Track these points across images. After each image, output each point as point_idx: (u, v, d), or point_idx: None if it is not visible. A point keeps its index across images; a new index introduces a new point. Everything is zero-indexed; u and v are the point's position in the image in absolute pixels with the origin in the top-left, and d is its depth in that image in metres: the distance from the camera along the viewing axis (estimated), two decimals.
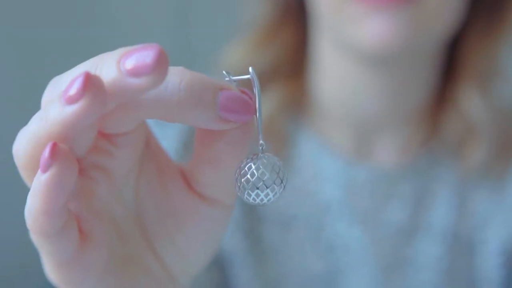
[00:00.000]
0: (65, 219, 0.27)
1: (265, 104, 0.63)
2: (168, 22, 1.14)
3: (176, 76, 0.25)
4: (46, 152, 0.24)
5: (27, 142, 0.26)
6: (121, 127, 0.28)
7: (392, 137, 0.63)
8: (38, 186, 0.25)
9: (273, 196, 0.27)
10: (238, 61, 0.64)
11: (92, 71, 0.24)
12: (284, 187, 0.27)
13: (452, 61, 0.63)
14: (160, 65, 0.23)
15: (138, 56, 0.23)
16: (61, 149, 0.24)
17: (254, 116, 0.27)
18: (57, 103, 0.24)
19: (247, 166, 0.27)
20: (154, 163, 0.32)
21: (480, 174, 0.63)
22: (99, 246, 0.30)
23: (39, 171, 0.24)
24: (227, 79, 0.27)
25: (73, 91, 0.23)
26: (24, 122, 0.26)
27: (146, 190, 0.32)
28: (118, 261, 0.32)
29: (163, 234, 0.32)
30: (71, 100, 0.23)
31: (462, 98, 0.61)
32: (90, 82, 0.23)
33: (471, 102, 0.61)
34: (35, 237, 0.27)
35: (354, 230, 0.62)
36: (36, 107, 0.27)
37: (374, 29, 0.53)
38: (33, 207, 0.25)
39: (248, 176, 0.27)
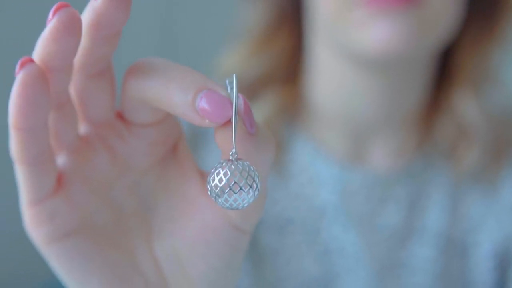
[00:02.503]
0: (41, 149, 0.28)
1: (261, 109, 0.64)
2: (156, 29, 1.15)
3: (171, 66, 0.28)
4: (19, 63, 0.26)
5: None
6: (137, 115, 0.30)
7: (386, 141, 0.63)
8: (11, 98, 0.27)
9: (242, 201, 0.27)
10: (233, 67, 0.65)
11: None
12: (255, 192, 0.28)
13: (446, 65, 0.64)
14: None
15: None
16: (32, 63, 0.26)
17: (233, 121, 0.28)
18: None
19: (217, 171, 0.28)
20: (177, 169, 0.33)
21: (473, 178, 0.63)
22: (73, 205, 0.31)
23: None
24: (229, 86, 0.29)
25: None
26: None
27: (162, 192, 0.33)
28: (103, 239, 0.32)
29: (167, 239, 0.33)
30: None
31: (456, 103, 0.62)
32: (58, 10, 0.26)
33: (465, 107, 0.61)
34: (17, 167, 0.29)
35: (349, 233, 0.62)
36: None
37: (379, 33, 0.53)
38: (10, 122, 0.27)
39: (217, 181, 0.27)
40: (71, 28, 0.26)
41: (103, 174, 0.32)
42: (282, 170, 0.64)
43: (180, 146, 0.33)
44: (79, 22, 0.26)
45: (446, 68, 0.64)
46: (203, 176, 0.33)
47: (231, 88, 0.28)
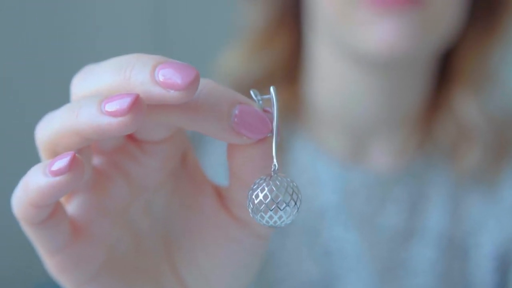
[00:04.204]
0: (51, 210, 0.27)
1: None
2: (150, 27, 1.15)
3: (200, 84, 0.26)
4: (64, 162, 0.24)
5: (52, 129, 0.26)
6: (151, 133, 0.29)
7: (387, 141, 0.63)
8: (41, 183, 0.25)
9: (287, 218, 0.26)
10: (233, 68, 0.64)
11: (125, 69, 0.25)
12: (298, 208, 0.27)
13: (446, 66, 0.63)
14: (192, 86, 0.24)
15: (172, 73, 0.24)
16: (78, 161, 0.25)
17: (271, 135, 0.27)
18: (95, 107, 0.24)
19: (260, 187, 0.26)
20: (189, 180, 0.32)
21: (474, 178, 0.63)
22: (96, 242, 0.30)
23: (47, 170, 0.25)
24: (254, 97, 0.27)
25: (117, 106, 0.24)
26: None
27: (177, 207, 0.32)
28: (127, 268, 0.31)
29: (188, 255, 0.32)
30: (111, 114, 0.24)
31: (457, 103, 0.62)
32: (136, 104, 0.24)
33: (465, 107, 0.61)
34: (22, 224, 0.27)
35: (350, 234, 0.62)
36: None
37: (383, 33, 0.53)
38: (25, 197, 0.26)
39: (261, 198, 0.26)
40: (138, 120, 0.24)
41: (121, 201, 0.31)
42: (282, 170, 0.64)
43: (188, 157, 0.32)
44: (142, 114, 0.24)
45: (446, 69, 0.64)
46: (217, 189, 0.32)
47: (258, 101, 0.27)
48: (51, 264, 0.29)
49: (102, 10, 1.12)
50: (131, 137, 0.30)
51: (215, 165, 0.60)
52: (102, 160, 0.30)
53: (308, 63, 0.64)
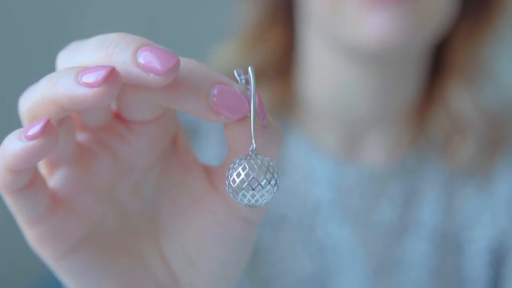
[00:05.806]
0: (29, 178, 0.28)
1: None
2: (146, 21, 1.14)
3: (181, 63, 0.26)
4: (38, 127, 0.25)
5: (32, 99, 0.27)
6: (138, 113, 0.29)
7: (381, 136, 0.63)
8: (16, 148, 0.25)
9: (268, 195, 0.27)
10: (226, 63, 0.64)
11: (107, 47, 0.26)
12: (277, 186, 0.27)
13: (439, 60, 0.63)
14: (170, 72, 0.25)
15: (152, 57, 0.25)
16: (51, 126, 0.25)
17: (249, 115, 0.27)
18: (72, 77, 0.25)
19: (241, 166, 0.27)
20: (178, 163, 0.32)
21: (467, 172, 0.63)
22: (77, 216, 0.30)
23: (22, 135, 0.25)
24: (237, 77, 0.28)
25: (92, 78, 0.24)
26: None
27: (166, 188, 0.32)
28: (112, 244, 0.32)
29: (175, 236, 0.32)
30: (87, 85, 0.24)
31: (450, 96, 0.62)
32: (111, 77, 0.24)
33: (459, 100, 0.61)
34: (1, 192, 0.28)
35: (344, 230, 0.62)
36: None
37: (375, 26, 0.53)
38: (2, 162, 0.26)
39: (243, 176, 0.27)
40: (112, 94, 0.25)
41: (106, 179, 0.31)
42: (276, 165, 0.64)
43: (179, 139, 0.32)
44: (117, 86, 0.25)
45: (440, 63, 0.64)
46: (208, 170, 0.32)
47: (241, 80, 0.27)
48: (31, 236, 0.30)
49: (99, 9, 1.11)
50: (119, 117, 0.30)
51: (209, 157, 0.61)
52: (88, 137, 0.31)
53: (301, 58, 0.64)
